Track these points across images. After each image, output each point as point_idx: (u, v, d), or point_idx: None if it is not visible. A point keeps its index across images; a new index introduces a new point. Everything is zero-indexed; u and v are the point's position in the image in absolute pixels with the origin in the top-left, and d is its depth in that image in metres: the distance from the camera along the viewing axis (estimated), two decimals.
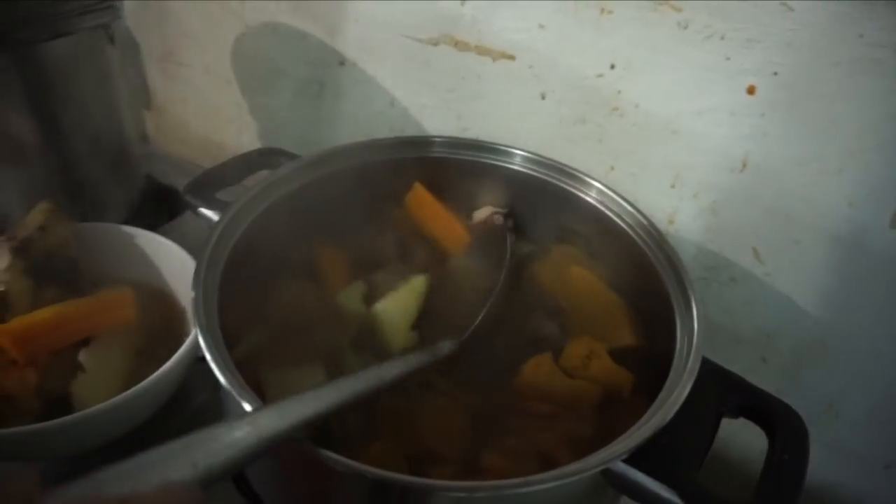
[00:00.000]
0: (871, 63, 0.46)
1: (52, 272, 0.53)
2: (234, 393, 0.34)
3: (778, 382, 0.57)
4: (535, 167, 0.56)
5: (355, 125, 0.75)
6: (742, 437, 0.60)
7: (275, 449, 0.31)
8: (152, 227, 0.60)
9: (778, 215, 0.54)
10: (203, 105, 0.88)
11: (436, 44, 0.64)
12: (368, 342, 0.47)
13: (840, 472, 0.60)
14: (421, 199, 0.57)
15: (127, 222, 0.60)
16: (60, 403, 0.46)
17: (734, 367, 0.43)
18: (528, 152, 0.56)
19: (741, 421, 0.42)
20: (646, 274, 0.48)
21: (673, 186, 0.58)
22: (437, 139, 0.58)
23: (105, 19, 0.60)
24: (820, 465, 0.59)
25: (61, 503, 0.24)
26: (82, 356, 0.48)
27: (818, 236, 0.53)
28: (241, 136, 0.86)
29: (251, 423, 0.31)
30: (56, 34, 0.55)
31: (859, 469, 0.59)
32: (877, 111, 0.47)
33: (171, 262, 0.57)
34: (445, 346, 0.44)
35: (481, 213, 0.58)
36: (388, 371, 0.39)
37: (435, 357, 0.43)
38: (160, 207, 0.78)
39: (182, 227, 0.75)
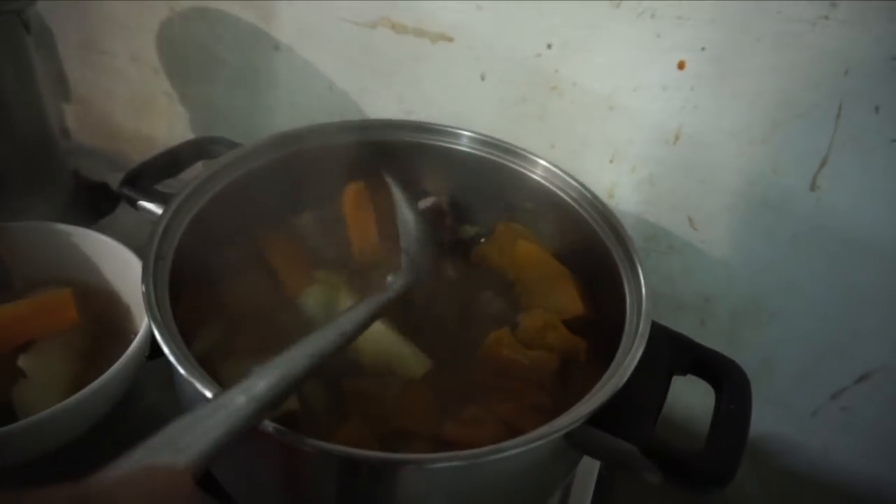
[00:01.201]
0: (790, 37, 0.49)
1: None
2: (198, 385, 0.33)
3: (717, 343, 0.60)
4: (479, 147, 0.56)
5: (294, 111, 0.74)
6: (686, 398, 0.64)
7: (252, 428, 0.30)
8: (85, 226, 0.57)
9: (710, 184, 0.57)
10: (130, 96, 0.84)
11: (373, 26, 0.64)
12: None
13: (774, 422, 0.64)
14: (351, 199, 0.55)
15: (57, 221, 0.57)
16: (2, 411, 0.44)
17: None
18: (473, 132, 0.56)
19: (686, 383, 0.44)
20: (592, 245, 0.50)
21: (611, 161, 0.60)
22: (382, 123, 0.58)
23: (18, 4, 0.57)
24: (756, 417, 0.63)
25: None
26: (22, 361, 0.46)
27: (748, 203, 0.56)
28: (173, 127, 0.83)
29: (229, 400, 0.30)
30: None
31: (791, 418, 0.63)
32: (798, 82, 0.50)
33: (111, 260, 0.54)
34: (396, 283, 0.44)
35: (424, 204, 0.59)
36: (349, 321, 0.38)
37: (394, 294, 0.43)
38: (90, 205, 0.75)
39: (116, 224, 0.72)
